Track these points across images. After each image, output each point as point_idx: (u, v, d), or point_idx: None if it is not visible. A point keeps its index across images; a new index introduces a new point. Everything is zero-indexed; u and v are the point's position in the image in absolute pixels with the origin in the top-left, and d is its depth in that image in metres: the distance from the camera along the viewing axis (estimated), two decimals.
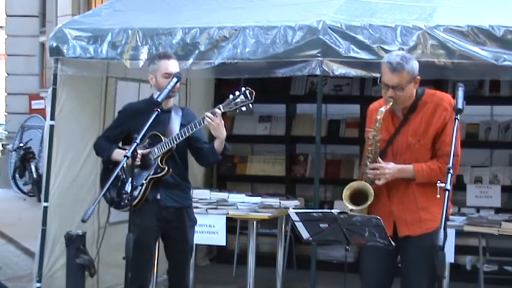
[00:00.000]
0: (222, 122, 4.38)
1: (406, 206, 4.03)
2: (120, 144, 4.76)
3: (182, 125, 4.57)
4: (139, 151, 4.42)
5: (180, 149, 4.59)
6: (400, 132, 4.06)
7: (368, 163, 4.06)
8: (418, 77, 4.00)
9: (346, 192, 4.06)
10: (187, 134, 4.43)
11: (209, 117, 4.33)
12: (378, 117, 3.99)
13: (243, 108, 4.34)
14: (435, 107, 4.02)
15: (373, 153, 4.05)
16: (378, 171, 4.00)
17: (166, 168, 4.53)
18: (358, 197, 4.02)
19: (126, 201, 4.64)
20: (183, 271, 4.72)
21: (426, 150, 4.03)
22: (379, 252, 3.96)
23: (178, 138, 4.46)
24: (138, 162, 4.46)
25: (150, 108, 4.30)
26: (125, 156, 4.02)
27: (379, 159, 4.04)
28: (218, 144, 4.46)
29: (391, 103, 3.98)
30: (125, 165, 4.19)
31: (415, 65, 3.97)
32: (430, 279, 3.95)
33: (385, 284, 4.14)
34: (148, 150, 4.54)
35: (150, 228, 4.55)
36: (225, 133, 4.42)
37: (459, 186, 6.96)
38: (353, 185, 4.08)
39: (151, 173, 4.54)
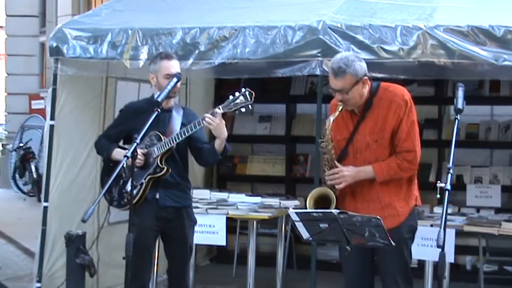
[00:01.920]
0: (223, 122, 4.39)
1: (370, 205, 4.07)
2: (121, 143, 4.76)
3: (183, 124, 4.57)
4: (140, 151, 4.43)
5: (180, 148, 4.59)
6: (359, 130, 4.09)
7: (326, 170, 4.10)
8: (366, 78, 4.02)
9: (309, 202, 4.09)
10: (186, 134, 4.44)
11: (209, 118, 4.33)
12: (326, 125, 4.04)
13: (243, 110, 4.34)
14: (389, 104, 4.04)
15: (329, 161, 4.10)
16: (337, 175, 4.04)
17: (166, 168, 4.53)
18: (322, 204, 4.05)
19: (125, 200, 4.65)
20: (182, 271, 4.72)
21: (385, 148, 4.06)
22: (356, 254, 3.99)
23: (178, 138, 4.46)
24: (141, 162, 4.47)
25: (152, 107, 4.31)
26: (125, 156, 4.03)
27: (337, 163, 4.07)
28: (218, 144, 4.47)
29: (339, 108, 4.01)
30: (125, 165, 4.19)
31: (359, 67, 3.97)
32: (402, 270, 4.08)
33: (367, 283, 4.19)
34: (146, 150, 4.55)
35: (149, 228, 4.55)
36: (225, 133, 4.43)
37: (459, 186, 6.98)
38: (314, 193, 4.11)
39: (151, 173, 4.54)
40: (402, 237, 4.07)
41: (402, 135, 4.02)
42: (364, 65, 4.02)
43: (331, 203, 4.02)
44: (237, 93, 4.34)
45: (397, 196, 4.07)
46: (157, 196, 4.58)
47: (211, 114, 4.35)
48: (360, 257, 4.08)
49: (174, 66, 4.56)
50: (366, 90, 4.03)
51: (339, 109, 4.01)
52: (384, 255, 4.04)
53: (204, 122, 4.36)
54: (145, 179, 4.54)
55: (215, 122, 4.34)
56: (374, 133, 4.05)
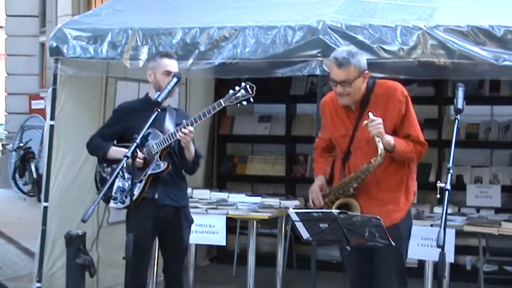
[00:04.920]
0: (193, 132, 4.44)
1: (373, 202, 4.07)
2: (115, 142, 4.77)
3: (177, 125, 4.60)
4: (140, 155, 4.45)
5: (176, 146, 4.62)
6: (358, 128, 4.09)
7: (355, 186, 4.06)
8: (367, 72, 4.04)
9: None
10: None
11: (184, 130, 4.39)
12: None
13: (244, 103, 4.40)
14: (388, 99, 4.06)
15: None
16: (375, 122, 3.89)
17: (166, 164, 4.54)
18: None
19: (124, 198, 4.64)
20: (178, 270, 4.74)
21: None
22: (357, 254, 4.01)
23: (176, 136, 4.49)
24: (139, 164, 4.48)
25: (145, 106, 4.38)
26: (125, 156, 4.04)
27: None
28: (188, 154, 4.55)
29: None
30: (124, 165, 4.20)
31: (362, 60, 4.02)
32: (398, 269, 4.10)
33: (370, 282, 4.19)
34: (145, 155, 4.56)
35: (148, 228, 4.56)
36: (192, 147, 4.51)
37: (459, 186, 6.97)
38: (337, 203, 4.12)
39: (151, 169, 4.55)
40: (401, 237, 4.09)
41: (410, 130, 4.05)
42: (365, 59, 4.08)
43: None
44: (237, 87, 4.40)
45: (400, 192, 4.10)
46: (156, 196, 4.58)
47: (185, 124, 4.41)
48: (361, 257, 4.09)
49: (172, 64, 4.61)
50: (364, 85, 4.06)
51: None
52: (381, 253, 4.04)
53: (204, 116, 4.43)
54: (145, 176, 4.55)
55: (184, 132, 4.40)
56: None
